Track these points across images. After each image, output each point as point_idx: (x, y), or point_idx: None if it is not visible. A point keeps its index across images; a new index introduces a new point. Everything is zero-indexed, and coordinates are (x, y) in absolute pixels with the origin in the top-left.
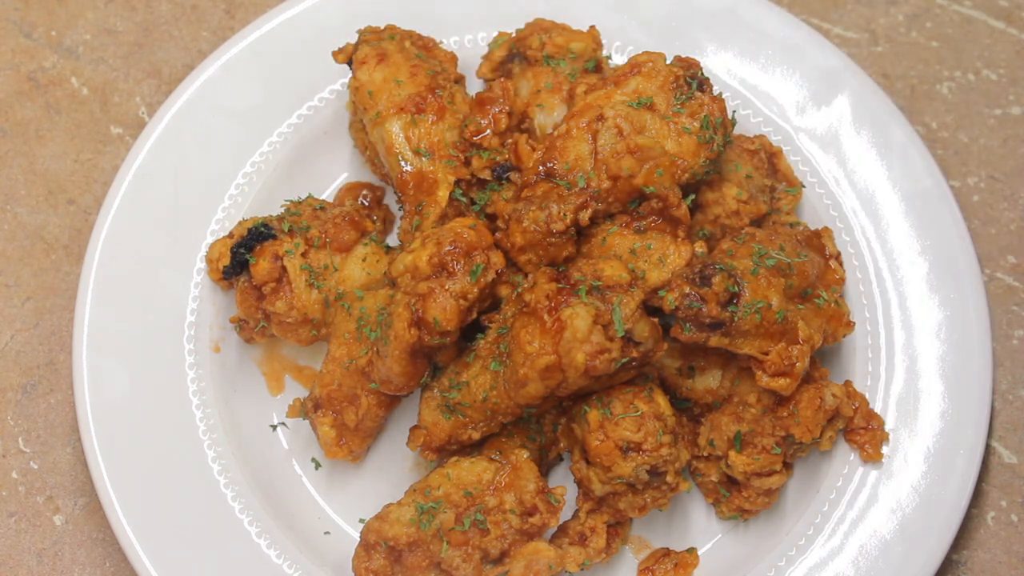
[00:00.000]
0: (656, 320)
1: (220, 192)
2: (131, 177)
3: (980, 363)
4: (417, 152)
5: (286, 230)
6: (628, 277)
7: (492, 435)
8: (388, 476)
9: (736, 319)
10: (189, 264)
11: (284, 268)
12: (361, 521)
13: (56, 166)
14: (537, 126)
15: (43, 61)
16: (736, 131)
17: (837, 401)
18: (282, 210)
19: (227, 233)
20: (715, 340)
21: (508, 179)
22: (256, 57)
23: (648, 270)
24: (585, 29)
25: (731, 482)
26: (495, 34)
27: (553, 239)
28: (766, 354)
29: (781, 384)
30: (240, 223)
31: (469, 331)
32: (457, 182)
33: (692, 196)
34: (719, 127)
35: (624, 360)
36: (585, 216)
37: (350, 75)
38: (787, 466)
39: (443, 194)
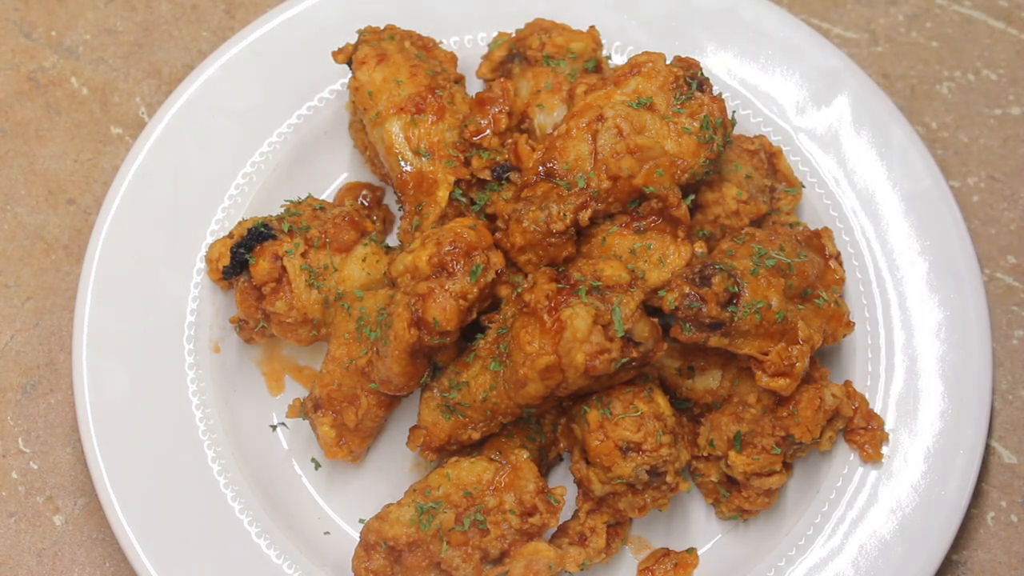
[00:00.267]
0: (656, 320)
1: (220, 192)
2: (131, 177)
3: (980, 363)
4: (417, 152)
5: (286, 230)
6: (628, 277)
7: (492, 435)
8: (388, 476)
9: (736, 319)
10: (189, 264)
11: (284, 268)
12: (361, 521)
13: (56, 166)
14: (537, 126)
15: (43, 61)
16: (736, 131)
17: (837, 401)
18: (282, 210)
19: (227, 233)
20: (715, 340)
21: (508, 179)
22: (256, 57)
23: (648, 270)
24: (585, 29)
25: (731, 482)
26: (495, 34)
27: (553, 239)
28: (766, 354)
29: (781, 384)
30: (240, 223)
31: (469, 331)
32: (457, 182)
33: (692, 196)
34: (719, 127)
35: (624, 360)
36: (585, 216)
37: (350, 75)
38: (787, 466)
39: (443, 194)
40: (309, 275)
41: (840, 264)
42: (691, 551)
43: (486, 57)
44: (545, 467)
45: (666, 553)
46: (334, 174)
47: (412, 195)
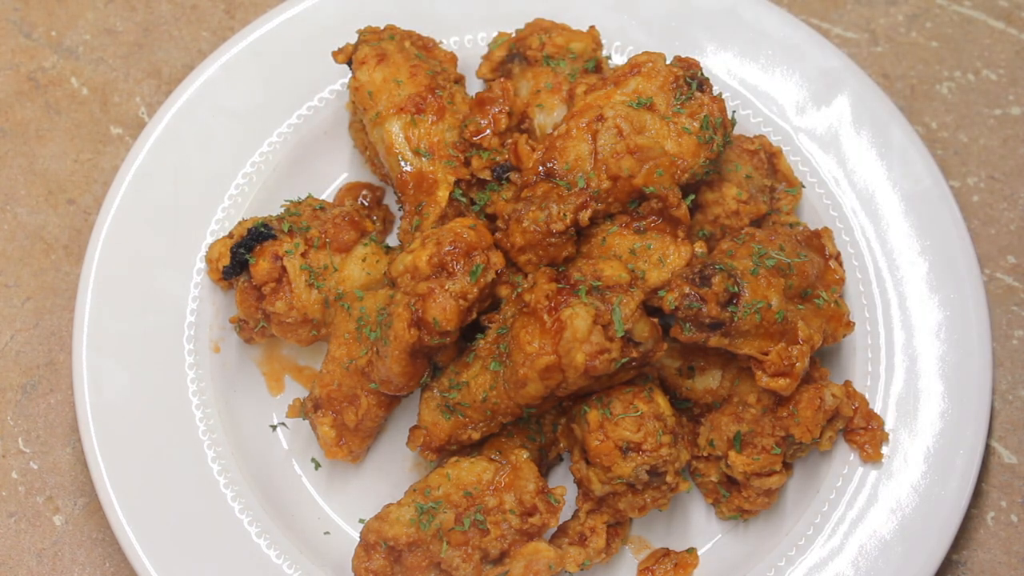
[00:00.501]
0: (656, 320)
1: (220, 192)
2: (131, 177)
3: (980, 363)
4: (417, 152)
5: (286, 230)
6: (628, 277)
7: (492, 435)
8: (388, 476)
9: (736, 319)
10: (189, 264)
11: (284, 268)
12: (361, 521)
13: (56, 166)
14: (537, 126)
15: (43, 61)
16: (736, 131)
17: (837, 401)
18: (282, 210)
19: (227, 233)
20: (715, 340)
21: (508, 179)
22: (256, 57)
23: (648, 270)
24: (585, 29)
25: (731, 482)
26: (495, 34)
27: (553, 239)
28: (766, 354)
29: (781, 384)
30: (240, 223)
31: (469, 331)
32: (457, 182)
33: (692, 196)
34: (719, 127)
35: (624, 360)
36: (585, 216)
37: (350, 75)
38: (787, 466)
39: (443, 194)
40: (309, 275)
41: (840, 264)
42: (691, 551)
43: (486, 57)
44: (545, 467)
45: (666, 553)
46: (334, 174)
47: (412, 195)
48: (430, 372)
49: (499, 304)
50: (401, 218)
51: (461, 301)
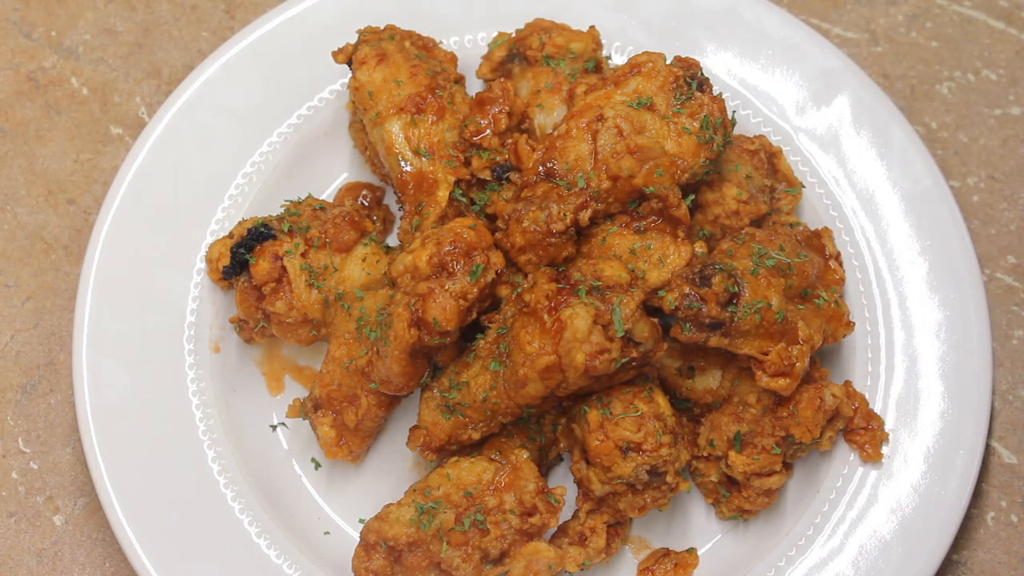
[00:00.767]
0: (656, 320)
1: (220, 192)
2: (131, 177)
3: (980, 363)
4: (417, 152)
5: (286, 230)
6: (628, 277)
7: (492, 435)
8: (388, 476)
9: (736, 319)
10: (189, 264)
11: (284, 268)
12: (361, 521)
13: (56, 166)
14: (537, 126)
15: (43, 61)
16: (736, 131)
17: (837, 401)
18: (282, 210)
19: (227, 233)
20: (715, 340)
21: (508, 179)
22: (256, 57)
23: (648, 270)
24: (585, 29)
25: (731, 482)
26: (495, 34)
27: (553, 239)
28: (766, 354)
29: (781, 384)
30: (240, 223)
31: (469, 331)
32: (457, 182)
33: (692, 196)
34: (719, 127)
35: (624, 360)
36: (585, 216)
37: (350, 75)
38: (787, 466)
39: (443, 194)
40: (309, 275)
41: (840, 264)
42: (691, 551)
43: (486, 57)
44: (545, 467)
45: (666, 553)
46: (334, 174)
47: (412, 195)
48: (430, 372)
49: (499, 304)
50: (401, 218)
51: (461, 301)
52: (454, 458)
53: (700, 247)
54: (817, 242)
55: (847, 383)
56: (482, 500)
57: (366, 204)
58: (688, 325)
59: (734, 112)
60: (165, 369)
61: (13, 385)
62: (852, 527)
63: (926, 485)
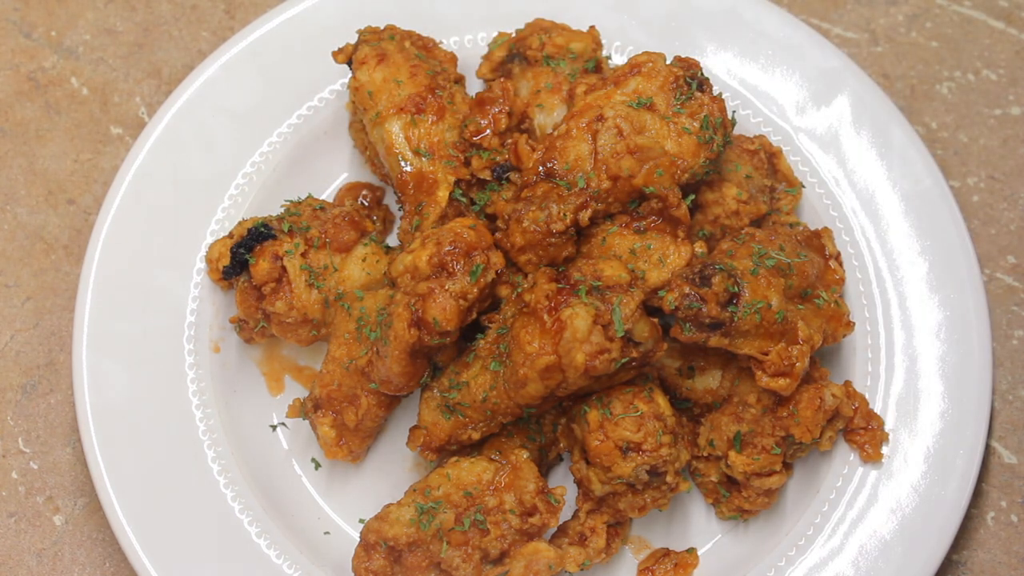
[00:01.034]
0: (656, 320)
1: (220, 192)
2: (131, 177)
3: (980, 363)
4: (417, 152)
5: (286, 230)
6: (628, 277)
7: (492, 435)
8: (388, 476)
9: (736, 319)
10: (189, 264)
11: (284, 268)
12: (361, 521)
13: (56, 166)
14: (537, 126)
15: (43, 61)
16: (736, 131)
17: (837, 401)
18: (282, 210)
19: (227, 233)
20: (715, 340)
21: (508, 179)
22: (256, 57)
23: (648, 270)
24: (585, 29)
25: (731, 482)
26: (495, 34)
27: (553, 239)
28: (766, 354)
29: (781, 384)
30: (240, 223)
31: (469, 331)
32: (457, 182)
33: (692, 196)
34: (719, 127)
35: (624, 360)
36: (585, 216)
37: (350, 75)
38: (787, 466)
39: (443, 194)
40: (309, 275)
41: (840, 264)
42: (691, 551)
43: (486, 57)
44: (545, 467)
45: (666, 553)
46: (334, 174)
47: (412, 195)
48: (430, 372)
49: (499, 304)
50: (401, 218)
51: (461, 301)
52: (454, 458)
53: (700, 247)
54: (817, 242)
55: (847, 383)
56: (482, 500)
57: (366, 204)
58: (688, 325)
59: (734, 112)
60: (165, 369)
61: (13, 385)
62: (852, 527)
63: (926, 485)
